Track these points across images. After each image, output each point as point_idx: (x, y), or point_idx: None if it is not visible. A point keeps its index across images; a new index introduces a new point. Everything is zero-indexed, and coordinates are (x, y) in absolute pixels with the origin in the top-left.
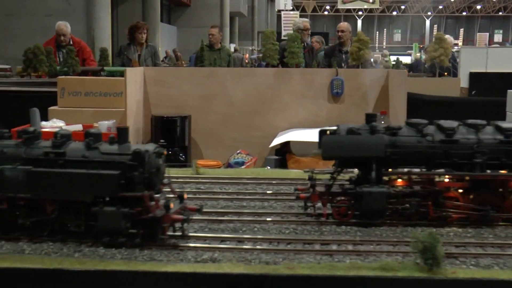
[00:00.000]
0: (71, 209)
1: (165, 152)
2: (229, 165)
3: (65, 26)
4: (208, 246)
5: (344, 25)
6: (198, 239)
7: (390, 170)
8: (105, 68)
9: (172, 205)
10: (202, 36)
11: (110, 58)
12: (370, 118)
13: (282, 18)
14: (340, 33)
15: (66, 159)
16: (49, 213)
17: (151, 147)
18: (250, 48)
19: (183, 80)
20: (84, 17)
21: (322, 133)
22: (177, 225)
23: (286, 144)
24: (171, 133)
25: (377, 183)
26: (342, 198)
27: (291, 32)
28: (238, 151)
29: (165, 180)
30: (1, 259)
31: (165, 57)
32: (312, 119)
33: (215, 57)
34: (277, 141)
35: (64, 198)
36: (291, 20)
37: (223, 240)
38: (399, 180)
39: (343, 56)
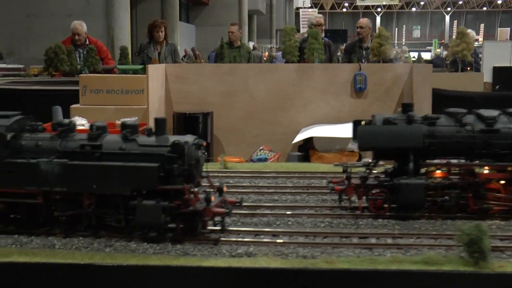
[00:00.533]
0: (108, 203)
1: (205, 144)
2: (252, 162)
3: (80, 25)
4: (243, 240)
5: (364, 21)
6: (231, 233)
7: (428, 161)
8: (118, 66)
9: (213, 198)
10: (220, 35)
11: (130, 56)
12: (407, 107)
13: (301, 16)
14: (359, 29)
15: (102, 152)
16: (86, 207)
17: (190, 138)
18: (269, 46)
19: (204, 76)
20: (104, 17)
21: (356, 124)
22: (217, 219)
23: (309, 140)
24: (193, 130)
25: (415, 175)
26: (378, 190)
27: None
28: (261, 148)
29: (204, 173)
30: (32, 254)
31: (184, 56)
32: (335, 115)
33: (235, 54)
34: (300, 137)
35: (102, 191)
36: (310, 17)
37: (257, 234)
38: (438, 171)
39: (363, 52)
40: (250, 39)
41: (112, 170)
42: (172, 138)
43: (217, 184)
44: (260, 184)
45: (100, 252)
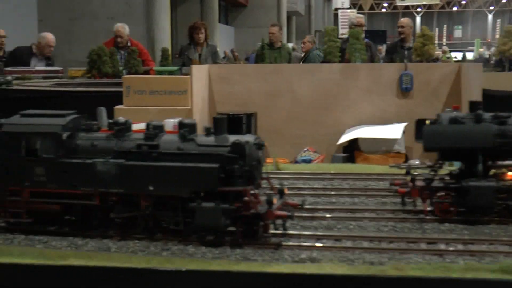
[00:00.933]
0: (166, 205)
1: (265, 144)
2: (296, 163)
3: (122, 27)
4: (305, 244)
5: (405, 20)
6: (292, 237)
7: (498, 162)
8: (154, 68)
9: (274, 201)
10: (259, 36)
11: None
12: (475, 106)
13: (339, 17)
14: (401, 29)
15: (160, 152)
16: (143, 209)
17: (250, 138)
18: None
19: (248, 77)
20: (144, 19)
21: (420, 123)
22: (278, 222)
23: (354, 141)
24: (237, 131)
25: (484, 177)
26: (444, 193)
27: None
28: (305, 149)
29: (264, 174)
30: (87, 257)
31: (223, 57)
32: (380, 116)
33: (275, 55)
34: (345, 138)
35: (159, 193)
36: (348, 18)
37: (319, 238)
38: (509, 173)
39: (405, 52)
40: (289, 40)
41: (170, 170)
42: (232, 137)
43: (277, 185)
44: (315, 186)
45: (157, 256)
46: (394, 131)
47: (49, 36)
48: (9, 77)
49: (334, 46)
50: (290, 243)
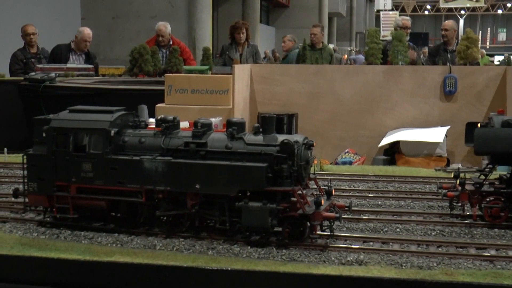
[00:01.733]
0: (212, 204)
1: (315, 144)
2: (336, 165)
3: (164, 26)
4: (352, 247)
5: (449, 23)
6: (338, 238)
7: None
8: (184, 67)
9: (322, 202)
10: (300, 37)
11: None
12: None
13: (381, 18)
14: (444, 32)
15: (207, 150)
16: (189, 208)
17: (299, 137)
18: (348, 49)
19: (290, 77)
20: (186, 18)
21: (470, 126)
22: (324, 223)
23: (396, 144)
24: (278, 131)
25: None
26: (494, 198)
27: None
28: (346, 150)
29: (312, 175)
30: (133, 254)
31: (264, 58)
32: (423, 119)
33: (317, 56)
34: (386, 140)
35: (206, 191)
36: (390, 20)
37: (365, 240)
38: None
39: (448, 55)
40: (329, 42)
41: (218, 169)
42: (281, 137)
43: (325, 186)
44: (360, 188)
45: (202, 254)
46: (436, 134)
47: (86, 31)
48: (52, 74)
49: (377, 48)
50: (337, 245)
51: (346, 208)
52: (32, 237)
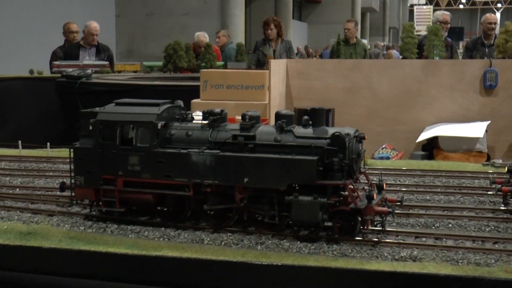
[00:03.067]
0: (261, 198)
1: (366, 137)
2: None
3: (204, 37)
4: (406, 242)
5: (494, 17)
6: (389, 234)
7: None
8: (144, 63)
9: (375, 196)
10: (333, 33)
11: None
12: None
13: (415, 13)
14: (491, 25)
15: (256, 143)
16: (238, 202)
17: (351, 130)
18: (382, 44)
19: (326, 72)
20: (219, 15)
21: None
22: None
23: (434, 139)
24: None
25: None
26: None
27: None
28: (383, 146)
29: (362, 168)
30: (181, 249)
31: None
32: (462, 113)
33: (351, 51)
34: (425, 135)
35: (256, 185)
36: (424, 15)
37: (418, 236)
38: None
39: (486, 50)
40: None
41: (268, 162)
42: (331, 129)
43: (375, 181)
44: (406, 183)
45: (251, 249)
46: (476, 129)
47: (92, 25)
48: (88, 71)
49: (412, 42)
50: (389, 240)
51: (398, 203)
52: (79, 230)
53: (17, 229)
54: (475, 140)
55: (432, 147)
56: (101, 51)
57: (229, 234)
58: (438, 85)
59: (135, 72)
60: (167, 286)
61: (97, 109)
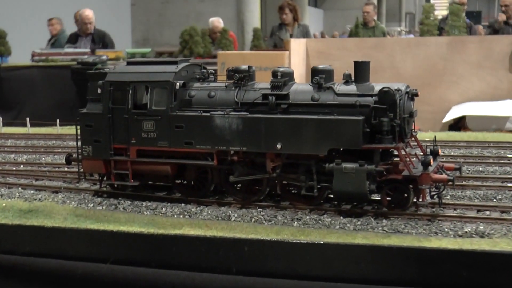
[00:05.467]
0: (297, 167)
1: (419, 93)
2: None
3: (218, 22)
4: (469, 216)
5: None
6: (445, 207)
7: None
8: (126, 50)
9: (431, 162)
10: (348, 19)
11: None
12: None
13: None
14: (504, 8)
15: (290, 103)
16: (269, 171)
17: (401, 85)
18: (398, 29)
19: (348, 51)
20: (234, 1)
21: None
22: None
23: (461, 119)
24: None
25: None
26: None
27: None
28: None
29: (414, 132)
30: (205, 226)
31: None
32: (491, 92)
33: (369, 34)
34: (451, 115)
35: (290, 151)
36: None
37: (480, 209)
38: None
39: (510, 29)
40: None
41: (304, 125)
42: (378, 85)
43: (429, 145)
44: (452, 154)
45: (286, 226)
46: (506, 108)
47: (85, 13)
48: (104, 57)
49: (432, 24)
50: (449, 214)
51: (457, 170)
52: (87, 208)
53: (17, 207)
54: (505, 119)
55: (459, 127)
56: (96, 39)
57: (259, 209)
58: (465, 62)
59: (115, 59)
60: (188, 270)
61: (106, 69)
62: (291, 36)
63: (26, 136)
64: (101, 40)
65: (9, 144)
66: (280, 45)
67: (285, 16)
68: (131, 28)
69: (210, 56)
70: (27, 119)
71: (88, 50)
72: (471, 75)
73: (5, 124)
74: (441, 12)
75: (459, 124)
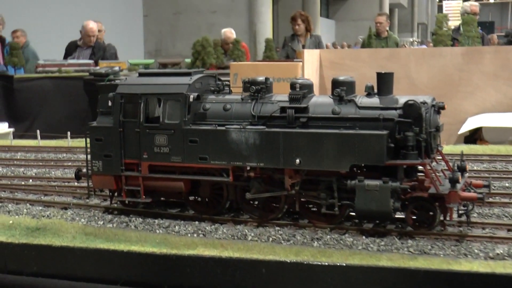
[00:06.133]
0: (318, 183)
1: (445, 106)
2: None
3: (230, 33)
4: (500, 236)
5: None
6: (473, 226)
7: None
8: (129, 60)
9: (460, 179)
10: (360, 30)
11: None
12: None
13: (444, 8)
14: None
15: (310, 116)
16: (288, 188)
17: (427, 98)
18: (410, 40)
19: (362, 62)
20: (247, 13)
21: None
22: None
23: (477, 131)
24: None
25: None
26: None
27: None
28: None
29: (440, 146)
30: (220, 246)
31: None
32: (508, 103)
33: (382, 45)
34: (467, 127)
35: (310, 168)
36: (454, 10)
37: (510, 229)
38: None
39: None
40: None
41: (325, 139)
42: (403, 98)
43: (454, 161)
44: (475, 168)
45: (306, 246)
46: None
47: (88, 26)
48: (116, 68)
49: (446, 34)
50: (478, 234)
51: (485, 188)
52: (97, 225)
53: (25, 224)
54: None
55: (475, 139)
56: (96, 52)
57: (277, 228)
58: (481, 73)
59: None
60: None
61: (117, 81)
62: (303, 47)
63: (36, 149)
64: (102, 53)
65: (18, 157)
66: (292, 56)
67: (297, 26)
68: (144, 39)
69: (222, 67)
70: (37, 131)
71: (91, 61)
72: (487, 85)
73: (16, 136)
74: (453, 23)
75: (475, 135)
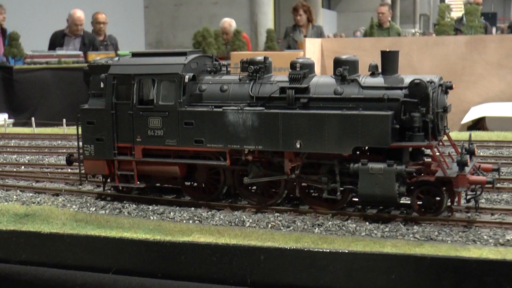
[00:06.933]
0: (319, 167)
1: (454, 86)
2: None
3: (229, 24)
4: (508, 222)
5: None
6: (481, 212)
7: None
8: (118, 52)
9: (468, 162)
10: (362, 21)
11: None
12: None
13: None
14: None
15: (311, 97)
16: (287, 172)
17: (434, 77)
18: (412, 31)
19: (364, 51)
20: (248, 3)
21: None
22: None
23: (480, 120)
24: None
25: None
26: None
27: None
28: None
29: (447, 128)
30: (217, 233)
31: None
32: (511, 92)
33: (384, 35)
34: (470, 117)
35: (311, 150)
36: (456, 1)
37: None
38: None
39: None
40: None
41: (327, 120)
42: (408, 77)
43: (462, 144)
44: (481, 154)
45: (306, 233)
46: None
47: (75, 15)
48: (116, 59)
49: (448, 24)
50: (487, 220)
51: (495, 171)
52: (89, 212)
53: (13, 211)
54: None
55: (478, 129)
56: (86, 42)
57: (276, 214)
58: (485, 62)
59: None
60: (198, 281)
61: (109, 61)
62: (305, 37)
63: (30, 136)
64: (91, 43)
65: (12, 144)
66: (294, 47)
67: (299, 17)
68: (144, 30)
69: (223, 57)
70: (32, 118)
71: (80, 52)
72: (490, 75)
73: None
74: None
75: (478, 125)
